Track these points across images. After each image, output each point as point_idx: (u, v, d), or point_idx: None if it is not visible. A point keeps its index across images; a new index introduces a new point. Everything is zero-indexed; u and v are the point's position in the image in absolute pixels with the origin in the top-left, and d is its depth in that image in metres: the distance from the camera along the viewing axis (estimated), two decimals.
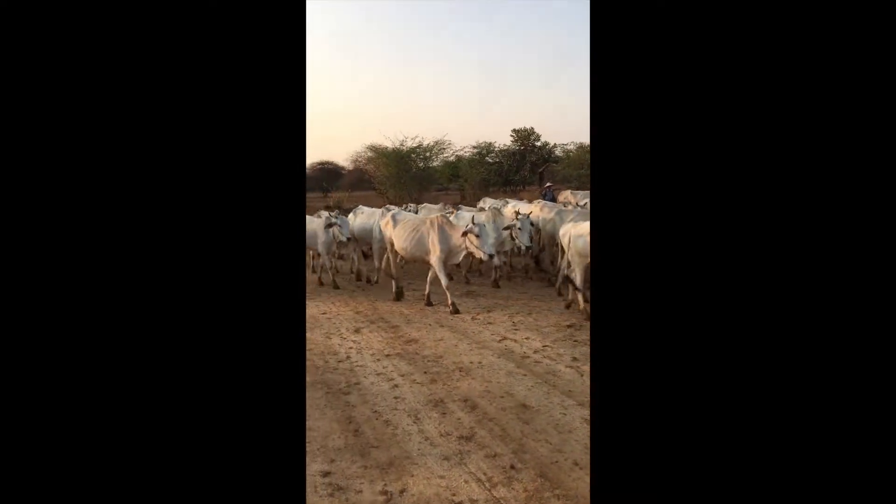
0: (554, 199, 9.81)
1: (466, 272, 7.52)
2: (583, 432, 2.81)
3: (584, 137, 20.49)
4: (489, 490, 2.32)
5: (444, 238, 5.72)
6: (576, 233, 5.20)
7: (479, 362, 4.06)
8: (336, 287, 7.33)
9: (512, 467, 2.50)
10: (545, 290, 6.68)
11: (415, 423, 3.02)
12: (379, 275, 6.87)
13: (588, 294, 5.15)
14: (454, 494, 2.30)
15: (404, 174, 19.21)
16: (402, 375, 3.82)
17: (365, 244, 7.80)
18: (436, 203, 9.98)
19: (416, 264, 6.85)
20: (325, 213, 7.58)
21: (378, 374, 3.86)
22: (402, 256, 6.27)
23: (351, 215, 7.88)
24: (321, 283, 7.53)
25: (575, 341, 4.52)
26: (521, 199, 9.71)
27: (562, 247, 6.02)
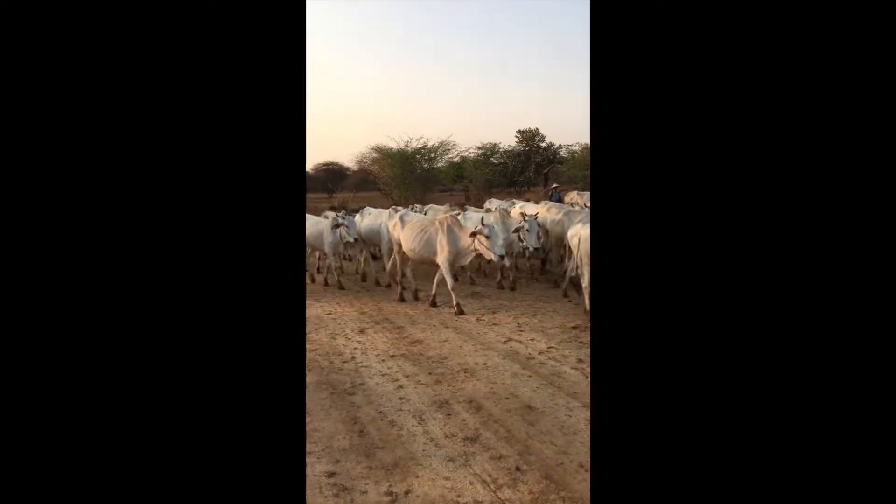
0: (560, 200, 9.79)
1: (472, 273, 7.51)
2: (588, 434, 2.80)
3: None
4: (494, 492, 2.31)
5: (452, 239, 5.68)
6: (585, 234, 5.18)
7: (485, 363, 4.06)
8: (341, 288, 7.34)
9: (517, 469, 2.49)
10: (550, 292, 6.66)
11: (420, 424, 3.02)
12: (389, 277, 6.84)
13: None
14: (459, 496, 2.29)
15: (409, 175, 19.24)
16: (407, 376, 3.82)
17: (372, 245, 7.79)
18: (441, 204, 9.97)
19: (422, 266, 6.81)
20: (331, 214, 7.58)
21: (383, 375, 3.86)
22: (410, 258, 6.21)
23: (358, 216, 7.88)
24: (326, 284, 7.54)
25: (580, 343, 4.50)
26: (528, 201, 9.69)
27: (569, 248, 6.00)
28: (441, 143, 20.03)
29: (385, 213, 7.54)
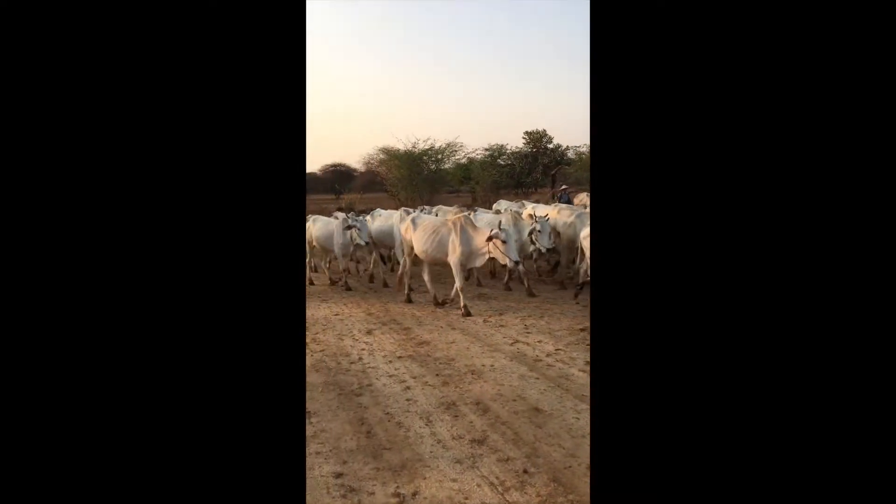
0: (570, 202, 9.76)
1: (478, 275, 7.49)
2: None
3: None
4: (502, 494, 2.30)
5: (465, 239, 5.60)
6: None
7: (492, 365, 4.05)
8: (348, 289, 7.36)
9: (525, 471, 2.48)
10: (557, 294, 6.64)
11: (427, 425, 3.02)
12: (407, 283, 6.62)
13: None
14: (467, 498, 2.28)
15: (416, 176, 19.28)
16: (414, 377, 3.82)
17: (383, 247, 7.74)
18: (449, 206, 9.96)
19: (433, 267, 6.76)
20: (341, 215, 7.58)
21: (390, 376, 3.87)
22: (423, 260, 6.11)
23: (368, 217, 7.88)
24: (332, 283, 7.55)
25: (588, 345, 4.48)
26: (536, 202, 9.66)
27: (582, 250, 5.97)
28: (448, 145, 20.07)
29: (396, 214, 7.48)
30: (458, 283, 5.70)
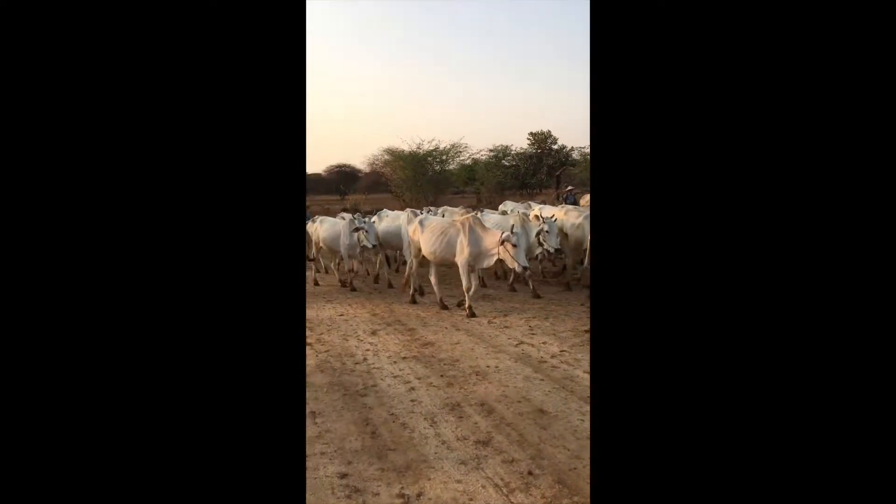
0: (576, 203, 9.75)
1: (483, 276, 7.48)
2: None
3: None
4: (507, 496, 2.30)
5: (474, 239, 5.56)
6: None
7: (496, 366, 4.04)
8: (353, 289, 7.37)
9: (530, 473, 2.47)
10: (562, 295, 6.63)
11: (431, 426, 3.02)
12: (413, 285, 6.57)
13: None
14: (471, 499, 2.28)
15: (420, 177, 19.29)
16: (419, 378, 3.82)
17: (390, 248, 7.70)
18: (455, 206, 9.96)
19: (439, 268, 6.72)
20: (347, 216, 7.57)
21: (395, 377, 3.87)
22: (431, 261, 6.07)
23: (375, 217, 7.86)
24: (343, 284, 7.56)
25: None
26: (542, 203, 9.64)
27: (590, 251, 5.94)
28: (453, 146, 20.09)
29: (403, 215, 7.43)
30: (464, 284, 5.68)
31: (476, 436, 2.87)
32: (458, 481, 2.42)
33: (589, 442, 2.77)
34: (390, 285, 7.57)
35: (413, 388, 3.62)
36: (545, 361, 4.13)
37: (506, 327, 5.21)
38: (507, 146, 21.91)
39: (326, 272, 8.66)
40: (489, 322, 5.43)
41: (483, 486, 2.37)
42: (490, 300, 6.42)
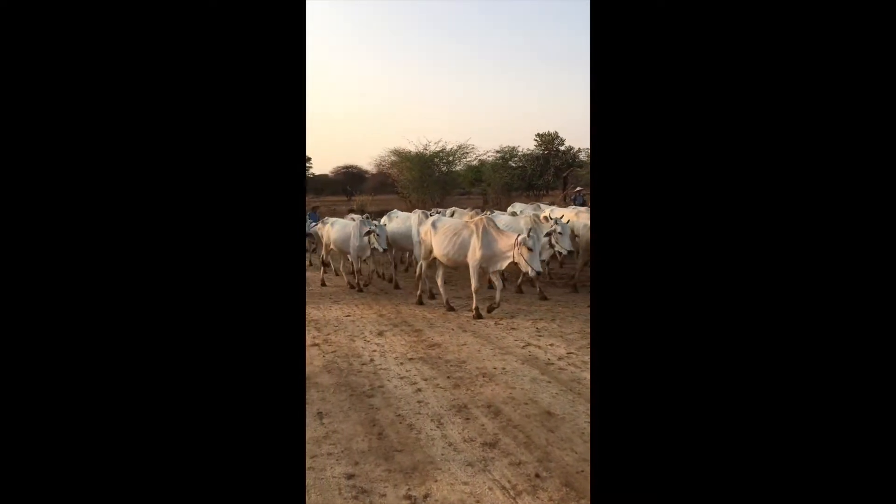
0: (584, 204, 9.73)
1: (489, 277, 7.47)
2: None
3: None
4: (514, 498, 2.29)
5: (487, 241, 5.49)
6: None
7: (503, 368, 4.04)
8: (360, 290, 7.38)
9: (537, 476, 2.47)
10: (569, 297, 6.61)
11: (438, 427, 3.02)
12: (421, 287, 6.54)
13: None
14: (478, 501, 2.28)
15: (427, 178, 19.29)
16: (426, 379, 3.82)
17: (399, 248, 7.65)
18: (463, 207, 9.94)
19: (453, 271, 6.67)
20: (357, 217, 7.57)
21: (401, 378, 3.87)
22: (444, 263, 6.02)
23: (385, 218, 7.86)
24: (359, 287, 7.58)
25: None
26: (551, 204, 9.61)
27: None
28: (459, 147, 20.08)
29: (413, 216, 7.39)
30: (473, 285, 5.65)
31: (483, 438, 2.87)
32: (465, 483, 2.42)
33: None
34: (397, 286, 7.58)
35: (420, 390, 3.62)
36: (552, 363, 4.12)
37: (513, 329, 5.20)
38: (513, 147, 21.89)
39: (336, 274, 8.68)
40: (496, 323, 5.42)
41: (490, 489, 2.37)
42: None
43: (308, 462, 2.63)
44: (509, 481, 2.43)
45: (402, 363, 4.23)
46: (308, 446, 2.80)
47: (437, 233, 5.96)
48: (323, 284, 7.99)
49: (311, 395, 3.57)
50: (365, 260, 7.49)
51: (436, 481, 2.44)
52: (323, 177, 31.38)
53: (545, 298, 6.41)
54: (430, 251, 6.06)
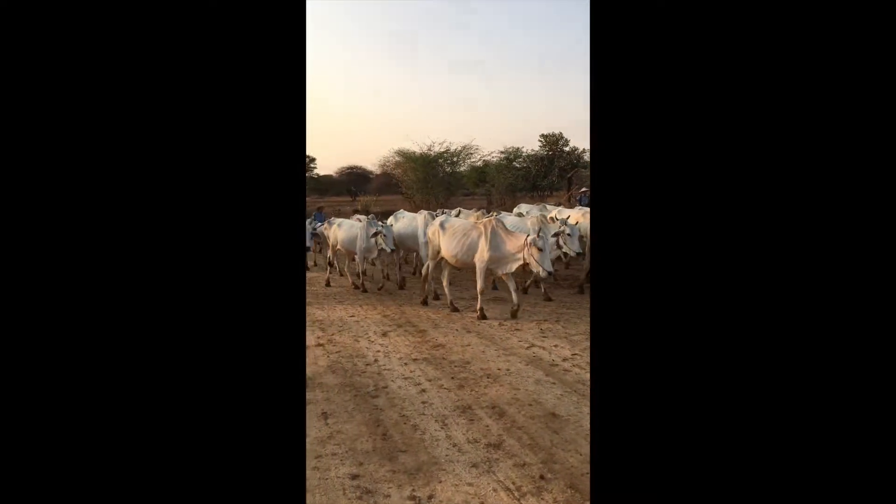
0: (590, 205, 9.71)
1: (494, 278, 7.46)
2: None
3: None
4: (518, 500, 2.29)
5: (496, 244, 5.43)
6: None
7: (507, 369, 4.03)
8: (364, 291, 7.39)
9: (541, 477, 2.46)
10: (574, 298, 6.59)
11: (442, 428, 3.01)
12: (427, 287, 6.53)
13: None
14: (483, 503, 2.27)
15: (431, 179, 19.31)
16: (430, 380, 3.82)
17: (405, 249, 7.64)
18: (468, 208, 9.94)
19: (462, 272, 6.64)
20: (363, 218, 7.57)
21: (405, 379, 3.87)
22: (453, 265, 5.97)
23: (391, 218, 7.86)
24: (356, 287, 7.58)
25: None
26: (558, 205, 9.59)
27: None
28: (464, 147, 20.09)
29: (419, 216, 7.36)
30: (479, 286, 5.63)
31: (487, 439, 2.86)
32: (470, 484, 2.42)
33: None
34: (401, 287, 7.58)
35: (424, 390, 3.62)
36: (556, 365, 4.11)
37: (517, 330, 5.20)
38: (518, 148, 21.88)
39: (340, 274, 8.69)
40: (500, 324, 5.41)
41: (494, 490, 2.37)
42: (501, 302, 6.40)
43: (312, 462, 2.63)
44: (514, 483, 2.42)
45: (406, 364, 4.23)
46: (312, 446, 2.81)
47: (446, 233, 5.91)
48: (328, 284, 8.00)
49: (316, 395, 3.57)
50: (372, 261, 7.49)
51: (440, 482, 2.44)
52: (327, 177, 31.46)
53: (550, 299, 6.40)
54: (438, 251, 6.02)
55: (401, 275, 7.81)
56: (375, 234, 6.77)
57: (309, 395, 3.55)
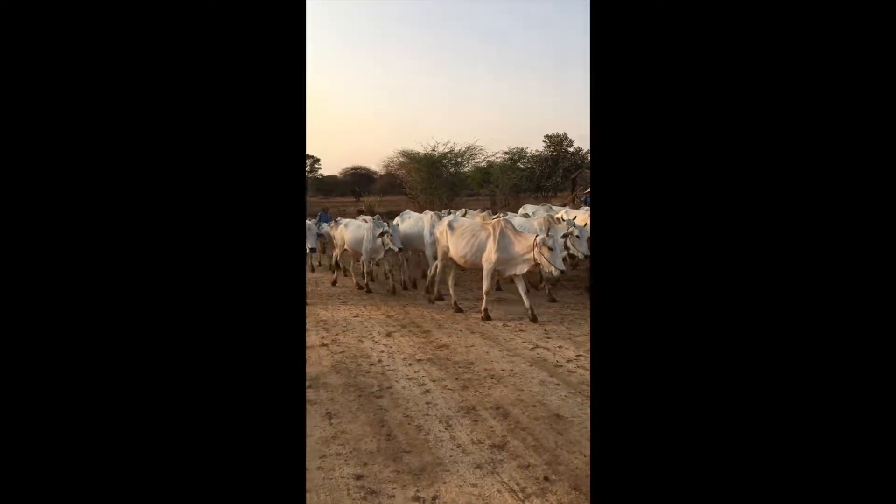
0: None
1: (499, 279, 7.45)
2: None
3: None
4: (522, 501, 2.28)
5: (504, 245, 5.39)
6: None
7: (511, 370, 4.02)
8: (368, 291, 7.40)
9: (546, 478, 2.46)
10: (578, 299, 6.58)
11: (447, 429, 3.01)
12: (437, 287, 6.52)
13: None
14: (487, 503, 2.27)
15: (435, 179, 19.31)
16: (434, 381, 3.82)
17: (411, 249, 7.62)
18: (473, 209, 9.93)
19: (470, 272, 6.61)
20: (369, 219, 7.58)
21: (409, 379, 3.87)
22: (461, 266, 5.94)
23: (398, 219, 7.87)
24: (360, 288, 7.59)
25: None
26: (564, 206, 9.57)
27: None
28: (468, 148, 20.08)
29: (425, 217, 7.35)
30: (485, 286, 5.61)
31: (491, 440, 2.86)
32: (474, 485, 2.41)
33: None
34: (405, 287, 7.58)
35: (428, 391, 3.62)
36: (561, 366, 4.10)
37: (521, 331, 5.19)
38: (522, 149, 21.86)
39: (345, 274, 8.70)
40: (504, 325, 5.41)
41: (498, 491, 2.36)
42: (505, 303, 6.39)
43: (317, 462, 2.64)
44: (518, 484, 2.42)
45: (410, 364, 4.23)
46: (317, 446, 2.81)
47: (454, 233, 5.86)
48: (334, 284, 8.03)
49: (320, 395, 3.58)
50: (378, 262, 7.49)
51: (444, 483, 2.44)
52: (331, 178, 31.51)
53: (554, 300, 6.39)
54: (447, 252, 5.97)
55: (408, 276, 7.81)
56: (382, 234, 6.77)
57: (313, 395, 3.56)
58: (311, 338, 5.11)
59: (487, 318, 5.59)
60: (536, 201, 15.91)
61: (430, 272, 6.75)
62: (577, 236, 5.90)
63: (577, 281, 7.45)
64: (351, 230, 7.58)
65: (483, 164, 21.16)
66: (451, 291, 6.16)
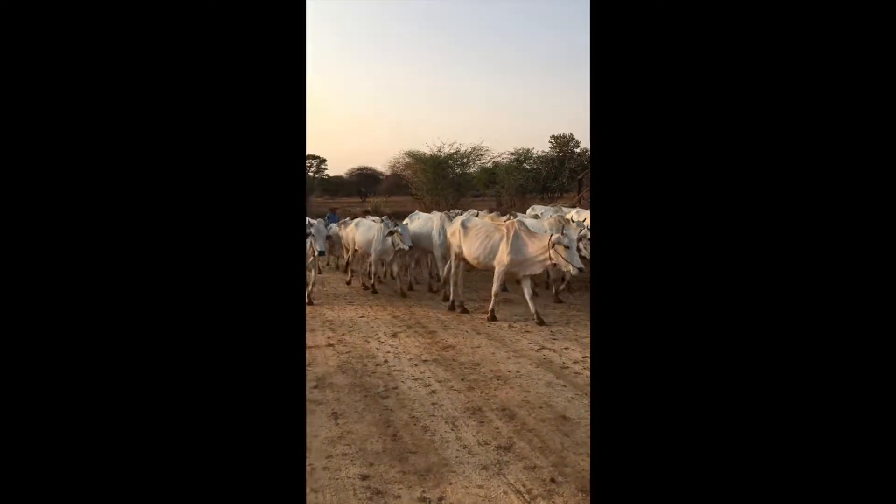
0: None
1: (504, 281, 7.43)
2: None
3: None
4: (529, 502, 2.28)
5: (517, 247, 5.33)
6: None
7: (517, 371, 4.02)
8: (374, 291, 7.41)
9: (552, 480, 2.45)
10: (584, 300, 6.56)
11: (452, 430, 3.01)
12: (451, 289, 6.43)
13: None
14: None
15: (441, 180, 19.33)
16: (440, 381, 3.82)
17: (419, 249, 7.63)
18: (480, 210, 9.91)
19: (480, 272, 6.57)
20: (377, 219, 7.59)
21: (415, 380, 3.87)
22: (475, 266, 5.89)
23: (407, 220, 7.88)
24: (365, 288, 7.60)
25: None
26: (573, 207, 9.53)
27: None
28: (473, 149, 20.09)
29: (434, 217, 7.31)
30: (494, 287, 5.58)
31: (497, 441, 2.85)
32: (480, 486, 2.41)
33: None
34: (410, 287, 7.59)
35: (434, 392, 3.62)
36: (567, 367, 4.09)
37: (527, 332, 5.18)
38: (528, 149, 21.83)
39: (351, 273, 8.72)
40: (510, 326, 5.40)
41: (505, 492, 2.36)
42: (511, 304, 6.39)
43: (323, 462, 2.64)
44: (524, 485, 2.41)
45: (416, 364, 4.23)
46: (323, 446, 2.82)
47: (468, 234, 5.79)
48: (348, 283, 8.07)
49: (326, 395, 3.59)
50: (386, 263, 7.49)
51: (450, 484, 2.43)
52: (338, 178, 31.61)
53: (560, 301, 6.37)
54: (459, 252, 5.90)
55: (414, 277, 7.82)
56: (391, 233, 6.76)
57: (319, 396, 3.56)
58: (318, 338, 5.12)
59: (493, 318, 5.58)
60: (542, 202, 15.87)
61: (442, 273, 6.72)
62: (589, 239, 5.84)
63: (583, 282, 7.42)
64: (362, 230, 7.59)
65: (489, 164, 21.17)
66: (459, 291, 6.13)
